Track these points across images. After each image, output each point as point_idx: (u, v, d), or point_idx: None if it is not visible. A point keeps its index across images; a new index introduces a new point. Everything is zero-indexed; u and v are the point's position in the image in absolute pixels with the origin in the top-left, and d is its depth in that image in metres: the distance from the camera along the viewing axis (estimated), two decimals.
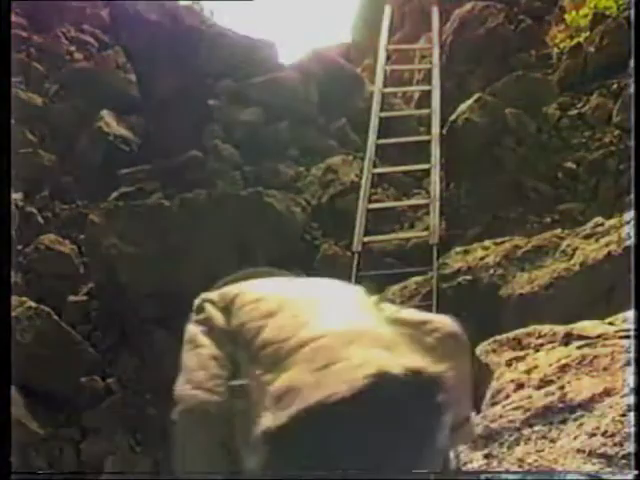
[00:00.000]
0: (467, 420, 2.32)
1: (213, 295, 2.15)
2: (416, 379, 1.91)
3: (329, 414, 1.85)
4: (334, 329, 2.03)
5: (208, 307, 2.10)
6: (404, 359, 1.96)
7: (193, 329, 2.08)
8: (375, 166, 7.47)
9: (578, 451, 2.46)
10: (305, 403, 1.82)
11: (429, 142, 7.48)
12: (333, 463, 1.87)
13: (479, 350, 3.51)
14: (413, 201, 7.50)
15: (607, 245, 5.32)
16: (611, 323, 3.26)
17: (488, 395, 3.07)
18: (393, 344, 2.02)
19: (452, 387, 1.99)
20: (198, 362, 2.02)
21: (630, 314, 3.16)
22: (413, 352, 2.00)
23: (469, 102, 7.68)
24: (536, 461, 2.49)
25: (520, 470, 2.47)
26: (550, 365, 2.99)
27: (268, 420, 1.83)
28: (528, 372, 3.04)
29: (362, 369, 1.90)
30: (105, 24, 9.65)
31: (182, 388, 2.00)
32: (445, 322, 2.16)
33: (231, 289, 2.16)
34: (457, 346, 2.16)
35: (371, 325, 2.06)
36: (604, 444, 2.45)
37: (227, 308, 2.08)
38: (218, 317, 2.07)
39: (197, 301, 2.14)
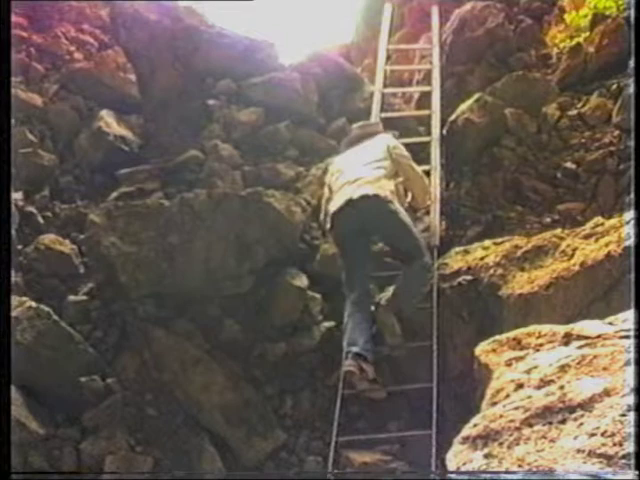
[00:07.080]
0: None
1: None
2: (366, 200, 5.93)
3: (337, 215, 6.02)
4: (349, 177, 6.12)
5: None
6: (367, 190, 5.95)
7: None
8: None
9: (578, 451, 2.46)
10: (333, 208, 6.07)
11: (429, 142, 7.48)
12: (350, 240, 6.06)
13: (479, 350, 3.51)
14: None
15: (607, 245, 5.32)
16: (611, 323, 3.26)
17: (488, 395, 3.07)
18: (371, 182, 6.02)
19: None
20: None
21: (630, 314, 3.16)
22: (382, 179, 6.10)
23: (469, 102, 7.67)
24: (536, 461, 2.49)
25: (520, 470, 2.46)
26: (550, 365, 2.99)
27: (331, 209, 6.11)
28: (528, 372, 3.04)
29: (344, 197, 6.01)
30: (105, 24, 9.64)
31: None
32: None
33: None
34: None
35: (365, 173, 6.11)
36: (604, 444, 2.45)
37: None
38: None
39: None
